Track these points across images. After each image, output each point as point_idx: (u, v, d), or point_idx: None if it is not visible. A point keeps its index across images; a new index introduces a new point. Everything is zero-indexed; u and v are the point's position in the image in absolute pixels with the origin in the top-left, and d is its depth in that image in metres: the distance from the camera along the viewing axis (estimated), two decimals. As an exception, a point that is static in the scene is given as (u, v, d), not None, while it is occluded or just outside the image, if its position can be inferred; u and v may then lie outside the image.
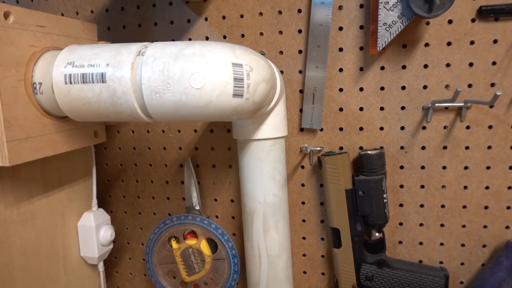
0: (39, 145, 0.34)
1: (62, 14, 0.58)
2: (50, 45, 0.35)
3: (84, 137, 0.40)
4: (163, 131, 0.56)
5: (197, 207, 0.54)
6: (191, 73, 0.29)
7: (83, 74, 0.31)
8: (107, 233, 0.46)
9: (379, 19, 0.42)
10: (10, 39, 0.31)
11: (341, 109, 0.49)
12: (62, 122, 0.36)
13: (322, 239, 0.53)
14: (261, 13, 0.50)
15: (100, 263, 0.47)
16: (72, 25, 0.37)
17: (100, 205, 0.48)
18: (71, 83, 0.32)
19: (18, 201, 0.37)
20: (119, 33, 0.55)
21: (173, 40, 0.54)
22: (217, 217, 0.56)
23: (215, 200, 0.56)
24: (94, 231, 0.45)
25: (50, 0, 0.58)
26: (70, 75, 0.32)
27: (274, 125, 0.43)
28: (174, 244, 0.54)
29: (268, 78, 0.33)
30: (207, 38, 0.53)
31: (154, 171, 0.58)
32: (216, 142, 0.54)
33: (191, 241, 0.54)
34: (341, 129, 0.50)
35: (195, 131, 0.55)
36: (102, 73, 0.31)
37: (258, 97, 0.33)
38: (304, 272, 0.56)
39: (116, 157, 0.59)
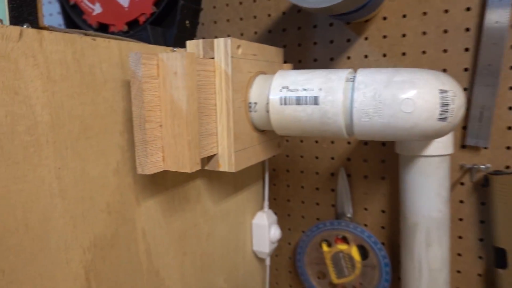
0: (249, 155, 0.40)
1: (228, 35, 0.66)
2: (259, 70, 0.41)
3: (272, 147, 0.45)
4: (316, 142, 0.60)
5: (349, 215, 0.58)
6: (403, 99, 0.33)
7: (297, 97, 0.37)
8: (276, 231, 0.52)
9: None
10: (239, 67, 0.37)
11: (509, 128, 0.49)
12: (261, 135, 0.43)
13: (480, 257, 0.53)
14: (424, 32, 0.52)
15: (267, 259, 0.53)
16: (270, 51, 0.43)
17: None
18: (285, 104, 0.37)
19: (220, 199, 0.45)
20: (284, 52, 0.61)
21: (332, 58, 0.58)
22: (366, 225, 0.59)
23: (365, 209, 0.59)
24: (267, 229, 0.51)
25: (219, 24, 0.67)
26: (285, 97, 0.37)
27: (444, 142, 0.44)
28: (325, 247, 0.58)
29: (465, 102, 0.35)
30: (366, 56, 0.56)
31: (305, 178, 0.62)
32: (370, 155, 0.57)
33: (342, 246, 0.57)
34: (508, 147, 0.49)
35: (349, 143, 0.58)
36: (315, 96, 0.36)
37: (457, 120, 0.35)
38: (457, 289, 0.56)
39: (270, 162, 0.65)
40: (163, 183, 0.36)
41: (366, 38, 0.55)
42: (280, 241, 0.67)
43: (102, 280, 0.30)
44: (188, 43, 0.37)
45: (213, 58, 0.36)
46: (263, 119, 0.40)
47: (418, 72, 0.34)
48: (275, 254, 0.68)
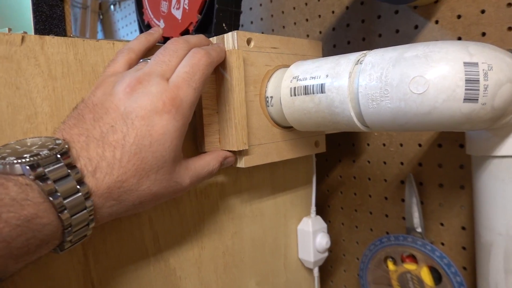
0: (268, 151, 0.38)
1: (296, 38, 0.65)
2: (281, 64, 0.39)
3: (305, 146, 0.42)
4: (384, 145, 0.54)
5: (419, 229, 0.49)
6: (412, 77, 0.27)
7: (305, 86, 0.34)
8: (322, 240, 0.47)
9: None
10: (251, 60, 0.37)
11: None
12: (287, 131, 0.40)
13: None
14: (509, 4, 0.41)
15: (315, 269, 0.49)
16: (299, 44, 0.41)
17: (319, 213, 0.50)
18: (295, 95, 0.35)
19: (251, 199, 0.43)
20: (343, 49, 0.57)
21: (397, 49, 0.51)
22: (443, 244, 0.49)
23: (441, 224, 0.49)
24: (311, 236, 0.47)
25: (287, 28, 0.66)
26: (295, 88, 0.35)
27: (526, 138, 0.34)
28: (390, 265, 0.51)
29: (514, 78, 0.27)
30: (437, 43, 0.47)
31: (373, 186, 0.56)
32: (445, 159, 0.48)
33: (410, 266, 0.49)
34: None
35: (420, 145, 0.50)
36: (321, 84, 0.32)
37: (500, 102, 0.26)
38: None
39: (336, 168, 0.60)
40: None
41: (436, 22, 0.47)
42: (346, 255, 0.61)
43: (101, 259, 0.32)
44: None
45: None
46: (279, 113, 0.37)
47: (438, 44, 0.27)
48: (343, 269, 0.62)
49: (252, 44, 0.37)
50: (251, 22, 0.72)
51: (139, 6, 0.60)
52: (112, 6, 1.10)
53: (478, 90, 0.26)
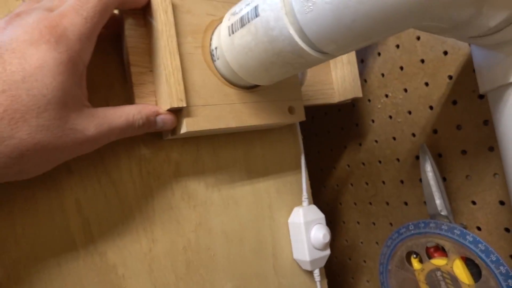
0: (219, 114, 0.32)
1: None
2: (230, 14, 0.33)
3: (275, 111, 0.35)
4: (390, 117, 0.45)
5: (443, 212, 0.38)
6: None
7: (241, 17, 0.27)
8: (319, 233, 0.38)
9: None
10: (186, 7, 0.31)
11: None
12: (247, 93, 0.33)
13: None
14: None
15: (316, 271, 0.40)
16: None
17: (331, 214, 0.42)
18: (233, 32, 0.28)
19: (218, 183, 0.36)
20: None
21: None
22: (479, 229, 0.38)
23: (473, 203, 0.38)
24: (303, 229, 0.38)
25: None
26: (232, 24, 0.29)
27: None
28: (415, 264, 0.40)
29: None
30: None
31: (385, 169, 0.46)
32: (464, 117, 0.38)
33: (439, 261, 0.38)
34: None
35: (431, 107, 0.40)
36: (255, 6, 0.26)
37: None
38: None
39: (343, 157, 0.51)
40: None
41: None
42: (367, 261, 0.50)
43: (10, 248, 0.26)
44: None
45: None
46: (226, 66, 0.31)
47: None
48: (366, 279, 0.50)
49: (187, -11, 0.31)
50: None
51: None
52: None
53: None
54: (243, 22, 0.27)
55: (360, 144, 0.49)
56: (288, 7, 0.24)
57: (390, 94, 0.44)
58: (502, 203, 0.35)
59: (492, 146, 0.36)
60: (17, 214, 0.27)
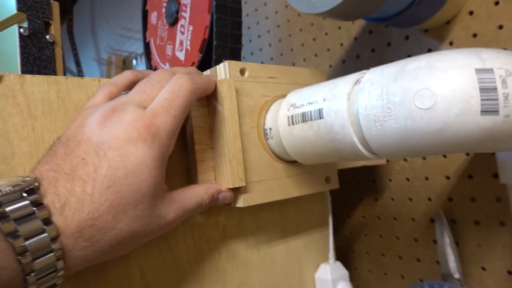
0: (270, 188, 0.35)
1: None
2: (280, 94, 0.37)
3: (314, 182, 0.38)
4: (408, 180, 0.49)
5: (456, 275, 0.42)
6: (416, 91, 0.23)
7: (303, 113, 0.31)
8: (344, 290, 0.42)
9: None
10: (246, 91, 0.34)
11: None
12: (292, 166, 0.37)
13: None
14: (530, 16, 0.38)
15: (339, 325, 0.43)
16: (300, 73, 0.39)
17: (342, 259, 0.45)
18: (293, 124, 0.32)
19: (258, 243, 0.39)
20: (355, 80, 0.54)
21: (412, 75, 0.48)
22: (487, 293, 0.42)
23: (483, 269, 0.42)
24: (330, 286, 0.42)
25: (297, 65, 0.65)
26: (292, 116, 0.32)
27: None
28: (427, 320, 0.44)
29: (542, 84, 0.23)
30: (454, 65, 0.44)
31: (400, 226, 0.50)
32: (478, 191, 0.42)
33: (450, 320, 0.41)
34: None
35: (447, 177, 0.45)
36: (319, 109, 0.29)
37: (527, 112, 0.22)
38: None
39: (358, 208, 0.55)
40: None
41: (451, 43, 0.44)
42: (378, 308, 0.53)
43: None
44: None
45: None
46: (280, 146, 0.34)
47: (443, 53, 0.24)
48: (375, 324, 0.54)
49: (246, 74, 0.35)
50: (261, 62, 0.71)
51: (147, 52, 0.61)
52: (134, 60, 1.14)
53: (497, 99, 0.22)
54: (305, 118, 0.31)
55: (376, 199, 0.53)
56: (353, 118, 0.27)
57: (408, 159, 0.48)
58: (510, 273, 0.40)
59: (503, 221, 0.40)
60: (91, 283, 0.30)
